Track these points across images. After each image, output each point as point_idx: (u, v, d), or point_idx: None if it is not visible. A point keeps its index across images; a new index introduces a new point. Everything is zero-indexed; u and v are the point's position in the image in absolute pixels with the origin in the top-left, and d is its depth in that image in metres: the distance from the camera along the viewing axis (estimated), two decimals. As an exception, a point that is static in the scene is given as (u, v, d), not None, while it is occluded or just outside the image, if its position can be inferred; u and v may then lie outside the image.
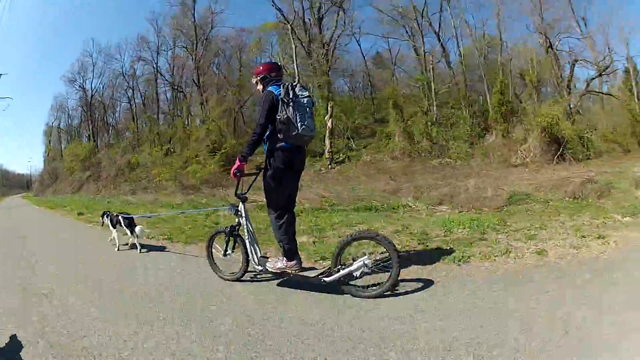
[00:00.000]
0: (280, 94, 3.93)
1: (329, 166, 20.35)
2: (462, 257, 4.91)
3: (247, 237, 4.25)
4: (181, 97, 31.73)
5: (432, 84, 25.15)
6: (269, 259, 4.26)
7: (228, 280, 4.39)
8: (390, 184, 13.82)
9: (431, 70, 26.36)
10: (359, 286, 3.75)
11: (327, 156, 21.83)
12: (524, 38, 27.22)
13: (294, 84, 4.06)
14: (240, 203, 4.29)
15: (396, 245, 3.85)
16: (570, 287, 3.81)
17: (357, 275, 3.68)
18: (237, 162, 4.00)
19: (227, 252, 4.57)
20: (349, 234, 4.06)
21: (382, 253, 4.10)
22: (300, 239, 5.47)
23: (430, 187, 11.93)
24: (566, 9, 26.72)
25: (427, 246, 5.63)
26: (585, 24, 27.79)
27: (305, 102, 4.01)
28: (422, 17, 26.95)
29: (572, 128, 19.98)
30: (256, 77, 4.36)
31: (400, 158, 20.41)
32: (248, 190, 4.34)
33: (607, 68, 24.70)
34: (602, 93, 25.38)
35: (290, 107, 3.89)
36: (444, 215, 8.14)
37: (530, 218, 7.32)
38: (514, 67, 26.53)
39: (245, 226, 4.26)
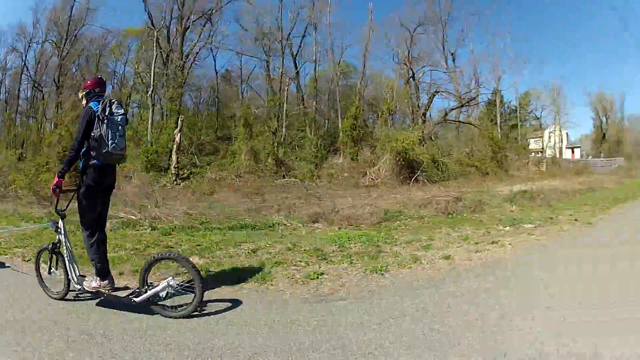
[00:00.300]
0: (97, 110, 3.87)
1: (174, 182, 19.09)
2: (381, 267, 5.15)
3: (66, 255, 4.09)
4: (39, 96, 28.46)
5: (284, 104, 26.03)
6: (86, 278, 4.11)
7: (54, 298, 4.14)
8: (254, 202, 13.35)
9: (285, 92, 27.47)
10: (167, 306, 3.77)
11: (172, 172, 20.37)
12: (385, 68, 28.74)
13: (112, 100, 4.02)
14: (60, 220, 4.10)
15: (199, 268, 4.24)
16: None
17: (164, 296, 3.74)
18: (56, 179, 3.87)
19: (51, 270, 4.35)
20: (152, 255, 4.20)
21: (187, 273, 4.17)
22: (193, 259, 5.30)
23: (297, 206, 11.76)
24: (437, 45, 29.25)
25: (329, 261, 5.74)
26: (454, 60, 30.50)
27: (119, 120, 3.98)
28: (286, 39, 28.00)
29: (426, 153, 21.96)
30: (82, 91, 4.20)
31: (244, 176, 19.62)
32: (67, 207, 4.17)
33: (471, 100, 27.06)
34: (460, 122, 27.98)
35: (105, 125, 3.85)
36: (325, 232, 8.41)
37: (412, 232, 7.98)
38: (371, 94, 27.87)
39: (64, 244, 4.10)
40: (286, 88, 27.21)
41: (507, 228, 7.97)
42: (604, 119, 45.44)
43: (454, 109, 29.52)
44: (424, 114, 28.57)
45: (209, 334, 3.26)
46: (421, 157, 21.05)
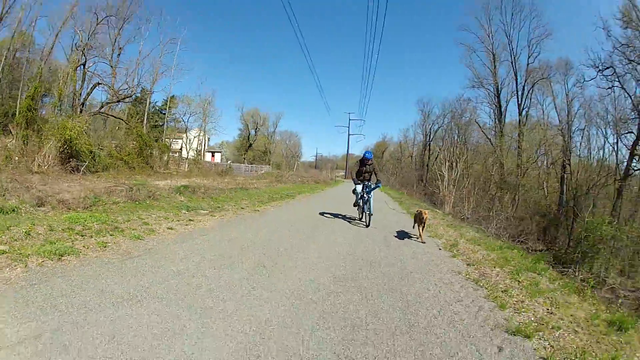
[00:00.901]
0: None
1: None
2: (136, 236, 7.50)
3: None
4: None
5: None
6: None
7: None
8: None
9: None
10: None
11: None
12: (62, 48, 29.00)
13: None
14: None
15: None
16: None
17: None
18: None
19: None
20: None
21: None
22: None
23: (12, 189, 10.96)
24: (111, 37, 30.72)
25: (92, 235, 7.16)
26: (119, 55, 32.25)
27: None
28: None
29: (87, 143, 22.86)
30: None
31: None
32: None
33: (127, 97, 29.49)
34: (112, 116, 30.07)
35: None
36: (56, 214, 8.84)
37: (124, 213, 9.74)
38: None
39: None
40: None
41: (186, 212, 11.05)
42: (253, 132, 54.45)
43: (110, 103, 31.37)
44: (83, 104, 29.59)
45: None
46: (84, 147, 22.39)
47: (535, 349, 3.81)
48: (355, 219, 12.91)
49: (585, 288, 6.55)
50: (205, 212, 11.75)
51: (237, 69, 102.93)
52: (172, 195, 14.50)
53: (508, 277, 6.47)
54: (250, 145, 55.88)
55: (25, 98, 24.01)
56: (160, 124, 41.23)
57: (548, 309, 5.08)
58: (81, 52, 29.38)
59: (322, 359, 3.33)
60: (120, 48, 33.87)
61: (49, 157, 20.67)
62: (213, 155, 50.59)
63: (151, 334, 3.50)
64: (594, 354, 3.83)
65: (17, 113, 24.54)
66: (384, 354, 3.47)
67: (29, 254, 5.38)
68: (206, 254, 6.62)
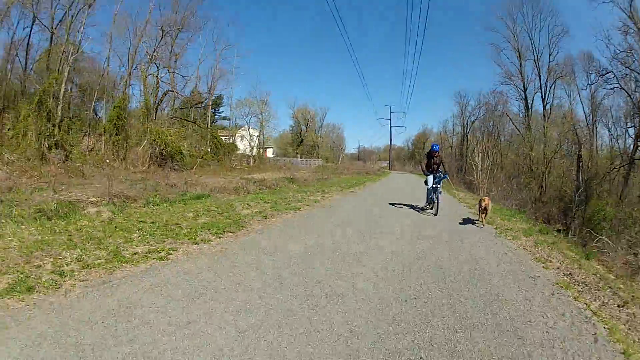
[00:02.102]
0: None
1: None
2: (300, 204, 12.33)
3: None
4: None
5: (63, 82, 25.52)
6: None
7: None
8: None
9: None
10: None
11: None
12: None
13: None
14: None
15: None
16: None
17: None
18: None
19: None
20: None
21: None
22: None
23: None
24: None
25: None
26: (176, 62, 34.73)
27: None
28: None
29: (179, 146, 27.09)
30: None
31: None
32: None
33: (199, 103, 32.01)
34: (187, 120, 32.45)
35: None
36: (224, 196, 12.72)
37: (278, 195, 13.73)
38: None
39: None
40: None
41: (311, 193, 14.87)
42: (303, 127, 57.25)
43: (183, 108, 34.33)
44: (156, 110, 32.40)
45: None
46: (176, 149, 26.21)
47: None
48: (425, 209, 13.29)
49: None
50: (319, 193, 15.34)
51: (283, 65, 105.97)
52: (287, 184, 18.48)
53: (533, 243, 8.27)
54: (302, 140, 58.78)
55: (114, 108, 27.24)
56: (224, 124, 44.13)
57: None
58: (151, 63, 31.77)
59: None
60: (176, 55, 36.07)
61: (147, 158, 24.68)
62: (265, 151, 53.15)
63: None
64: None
65: (104, 120, 28.04)
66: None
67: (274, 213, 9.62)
68: (351, 207, 11.51)
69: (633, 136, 32.17)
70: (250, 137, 45.42)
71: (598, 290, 5.30)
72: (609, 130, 36.49)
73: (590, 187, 30.27)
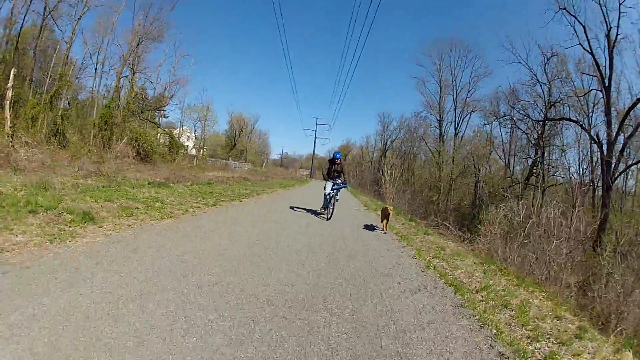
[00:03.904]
0: None
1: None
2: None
3: None
4: None
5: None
6: None
7: None
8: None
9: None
10: None
11: (9, 133, 21.49)
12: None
13: None
14: None
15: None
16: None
17: None
18: None
19: None
20: None
21: None
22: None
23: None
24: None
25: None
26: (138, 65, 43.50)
27: None
28: None
29: (152, 141, 35.63)
30: None
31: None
32: None
33: (161, 107, 41.15)
34: (151, 121, 42.45)
35: None
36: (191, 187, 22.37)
37: (240, 187, 24.08)
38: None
39: None
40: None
41: (262, 188, 27.74)
42: (237, 133, 67.23)
43: (149, 110, 43.17)
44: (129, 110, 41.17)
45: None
46: (149, 146, 35.49)
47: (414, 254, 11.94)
48: (321, 213, 15.52)
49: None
50: (271, 187, 25.66)
51: (221, 71, 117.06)
52: (244, 181, 27.89)
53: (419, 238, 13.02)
54: (235, 144, 68.32)
55: (105, 106, 36.42)
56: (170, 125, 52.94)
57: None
58: (125, 66, 40.25)
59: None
60: (138, 57, 44.42)
61: (127, 151, 32.55)
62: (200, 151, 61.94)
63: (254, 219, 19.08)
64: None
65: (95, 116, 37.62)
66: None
67: (255, 194, 21.43)
68: (295, 193, 23.33)
69: (529, 165, 46.73)
70: (196, 138, 54.76)
71: (421, 242, 11.97)
72: (502, 159, 51.47)
73: (484, 202, 43.02)
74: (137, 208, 10.53)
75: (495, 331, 5.03)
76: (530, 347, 4.73)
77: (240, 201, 17.91)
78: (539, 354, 4.57)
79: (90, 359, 3.16)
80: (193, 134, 56.32)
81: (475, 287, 7.23)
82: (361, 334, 4.37)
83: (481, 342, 4.67)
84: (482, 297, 6.63)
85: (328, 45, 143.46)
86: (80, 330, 3.59)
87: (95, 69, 41.34)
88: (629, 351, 4.96)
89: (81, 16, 35.22)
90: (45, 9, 32.96)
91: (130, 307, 4.27)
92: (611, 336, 5.79)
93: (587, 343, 5.09)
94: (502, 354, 4.38)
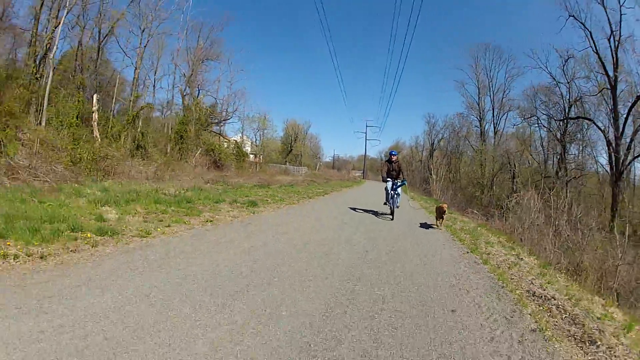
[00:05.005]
0: None
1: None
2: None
3: None
4: None
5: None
6: None
7: None
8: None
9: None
10: None
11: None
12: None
13: None
14: None
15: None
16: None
17: None
18: None
19: None
20: None
21: None
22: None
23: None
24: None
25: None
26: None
27: None
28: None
29: (226, 151, 39.11)
30: None
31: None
32: None
33: (225, 120, 46.29)
34: (220, 135, 46.91)
35: None
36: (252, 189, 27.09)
37: (319, 187, 29.53)
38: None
39: None
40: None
41: (331, 188, 33.92)
42: (293, 139, 71.85)
43: (214, 123, 48.60)
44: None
45: None
46: (224, 156, 40.55)
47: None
48: (384, 213, 16.03)
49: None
50: (334, 187, 30.28)
51: (274, 80, 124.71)
52: (311, 183, 31.92)
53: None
54: (291, 150, 73.16)
55: (179, 123, 41.71)
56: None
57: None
58: (187, 85, 45.23)
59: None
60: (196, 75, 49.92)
61: (203, 161, 37.52)
62: (256, 157, 66.82)
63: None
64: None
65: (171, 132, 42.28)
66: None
67: (328, 193, 27.07)
68: (356, 191, 28.87)
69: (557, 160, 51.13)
70: (256, 145, 59.81)
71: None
72: (537, 155, 55.37)
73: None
74: (267, 199, 17.36)
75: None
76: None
77: (323, 196, 24.73)
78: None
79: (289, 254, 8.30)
80: (251, 142, 61.17)
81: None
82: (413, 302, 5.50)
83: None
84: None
85: (373, 48, 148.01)
86: (267, 245, 8.38)
87: (154, 85, 45.65)
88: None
89: (147, 44, 39.74)
90: (99, 33, 35.66)
91: (296, 233, 10.20)
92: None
93: (523, 263, 8.92)
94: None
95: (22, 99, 23.19)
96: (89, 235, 7.60)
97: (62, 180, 17.22)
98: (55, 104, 26.60)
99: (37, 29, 27.83)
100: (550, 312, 5.48)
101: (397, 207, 14.58)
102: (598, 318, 5.42)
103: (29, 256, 5.97)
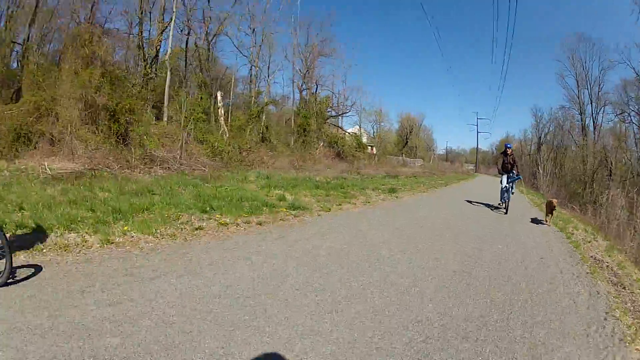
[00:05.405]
0: None
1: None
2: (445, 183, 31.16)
3: None
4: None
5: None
6: None
7: None
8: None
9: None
10: None
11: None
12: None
13: None
14: None
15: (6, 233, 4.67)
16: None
17: None
18: None
19: None
20: None
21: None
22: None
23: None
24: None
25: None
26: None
27: None
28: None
29: (349, 144, 40.70)
30: None
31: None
32: None
33: (344, 113, 48.21)
34: (338, 127, 47.74)
35: None
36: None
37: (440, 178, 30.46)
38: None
39: None
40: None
41: (457, 180, 34.95)
42: (408, 132, 72.57)
43: (334, 117, 50.46)
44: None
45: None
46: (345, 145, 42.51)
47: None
48: (498, 207, 15.46)
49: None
50: (456, 180, 31.09)
51: (388, 74, 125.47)
52: (432, 176, 33.26)
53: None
54: (407, 142, 73.65)
55: (302, 117, 43.98)
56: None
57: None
58: (305, 80, 47.39)
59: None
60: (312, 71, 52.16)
61: (328, 154, 39.43)
62: (372, 149, 67.99)
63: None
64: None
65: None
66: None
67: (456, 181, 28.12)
68: (468, 188, 28.79)
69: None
70: (372, 137, 61.23)
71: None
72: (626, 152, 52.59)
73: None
74: (400, 188, 19.02)
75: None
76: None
77: (445, 187, 25.60)
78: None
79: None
80: (367, 134, 62.53)
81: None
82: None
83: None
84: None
85: (481, 40, 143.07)
86: (425, 217, 11.62)
87: (268, 81, 47.74)
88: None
89: (261, 45, 41.95)
90: (207, 34, 36.43)
91: (435, 212, 12.89)
92: None
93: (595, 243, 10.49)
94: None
95: (142, 98, 25.87)
96: (284, 209, 10.04)
97: (213, 169, 19.64)
98: (176, 101, 28.73)
99: (142, 33, 29.96)
100: (601, 267, 7.79)
101: (509, 199, 14.28)
102: (633, 279, 7.38)
103: (246, 223, 8.49)
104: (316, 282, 5.17)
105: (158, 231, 6.88)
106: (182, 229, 7.28)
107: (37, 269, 4.72)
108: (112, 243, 6.11)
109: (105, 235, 6.28)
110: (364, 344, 3.62)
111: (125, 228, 6.83)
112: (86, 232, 6.36)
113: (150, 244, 6.33)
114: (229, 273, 5.26)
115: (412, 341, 3.76)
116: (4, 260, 3.89)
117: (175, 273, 5.11)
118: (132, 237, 6.55)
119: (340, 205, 11.71)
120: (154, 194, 10.14)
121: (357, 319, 4.13)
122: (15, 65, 25.91)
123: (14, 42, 25.24)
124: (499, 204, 15.11)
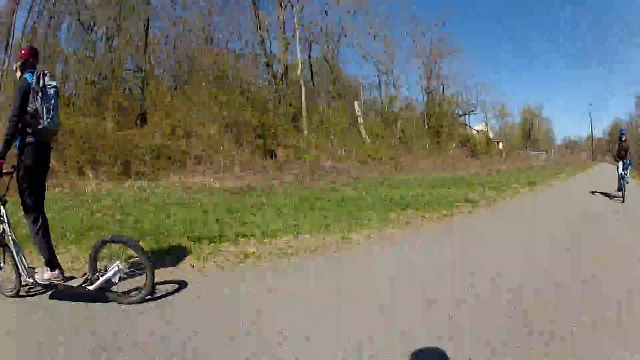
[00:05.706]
0: (32, 82, 4.19)
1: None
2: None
3: (12, 246, 4.39)
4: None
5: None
6: (36, 270, 4.49)
7: (7, 296, 4.45)
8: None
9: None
10: (120, 293, 4.29)
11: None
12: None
13: (45, 72, 4.38)
14: (1, 206, 4.39)
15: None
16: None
17: (116, 282, 4.19)
18: None
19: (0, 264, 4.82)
20: (99, 239, 4.40)
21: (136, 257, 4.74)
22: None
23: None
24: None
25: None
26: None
27: (52, 92, 4.36)
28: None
29: (479, 142, 44.04)
30: (18, 61, 4.46)
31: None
32: (7, 192, 4.49)
33: (471, 111, 52.17)
34: (469, 126, 52.03)
35: (39, 98, 4.17)
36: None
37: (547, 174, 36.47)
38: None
39: (9, 234, 4.41)
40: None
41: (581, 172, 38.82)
42: (530, 125, 74.50)
43: (461, 115, 54.47)
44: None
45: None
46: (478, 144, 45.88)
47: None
48: (616, 196, 15.06)
49: None
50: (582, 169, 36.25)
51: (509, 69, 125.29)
52: (557, 167, 38.04)
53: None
54: (529, 136, 75.08)
55: (434, 118, 47.69)
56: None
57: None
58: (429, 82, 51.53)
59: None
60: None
61: (462, 152, 43.67)
62: (498, 144, 70.21)
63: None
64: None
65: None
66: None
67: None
68: (589, 177, 30.90)
69: None
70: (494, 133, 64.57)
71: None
72: None
73: None
74: (538, 180, 24.59)
75: None
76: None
77: (573, 176, 31.24)
78: None
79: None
80: (491, 131, 65.28)
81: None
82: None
83: None
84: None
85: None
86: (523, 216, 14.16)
87: (394, 85, 48.26)
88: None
89: (385, 51, 44.72)
90: (327, 46, 38.66)
91: (573, 199, 16.41)
92: None
93: None
94: None
95: (282, 114, 27.99)
96: (462, 203, 12.97)
97: (359, 173, 23.34)
98: (315, 113, 31.34)
99: (266, 51, 31.99)
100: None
101: (625, 187, 13.93)
102: None
103: (461, 213, 11.54)
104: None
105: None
106: (408, 221, 9.67)
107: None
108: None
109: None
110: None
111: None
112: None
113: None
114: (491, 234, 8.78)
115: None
116: (144, 276, 4.24)
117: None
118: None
119: (500, 196, 15.25)
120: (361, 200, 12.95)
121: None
122: (133, 90, 26.63)
123: (134, 70, 26.32)
124: (618, 190, 14.57)
